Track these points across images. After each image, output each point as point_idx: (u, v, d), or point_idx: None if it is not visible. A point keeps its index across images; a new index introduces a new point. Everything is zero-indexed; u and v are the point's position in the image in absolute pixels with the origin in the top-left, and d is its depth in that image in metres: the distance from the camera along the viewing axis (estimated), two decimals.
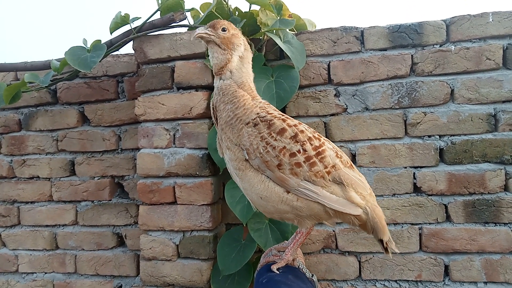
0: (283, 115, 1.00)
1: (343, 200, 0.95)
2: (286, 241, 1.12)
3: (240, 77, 1.03)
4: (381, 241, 1.03)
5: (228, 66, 1.04)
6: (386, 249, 1.04)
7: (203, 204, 1.54)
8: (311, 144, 0.95)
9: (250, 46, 1.51)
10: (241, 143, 0.96)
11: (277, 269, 0.96)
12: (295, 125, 0.97)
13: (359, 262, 1.55)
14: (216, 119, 1.05)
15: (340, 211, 0.94)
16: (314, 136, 0.98)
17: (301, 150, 0.94)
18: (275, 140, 0.94)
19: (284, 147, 0.93)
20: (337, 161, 0.97)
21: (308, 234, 1.01)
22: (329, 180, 0.95)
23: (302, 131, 0.96)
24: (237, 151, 0.97)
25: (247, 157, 0.95)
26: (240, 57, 1.05)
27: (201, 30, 1.05)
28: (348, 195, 0.95)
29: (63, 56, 1.56)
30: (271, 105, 1.06)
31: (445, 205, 1.49)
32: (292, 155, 0.93)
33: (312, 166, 0.94)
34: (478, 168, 1.46)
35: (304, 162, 0.93)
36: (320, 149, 0.96)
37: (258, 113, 0.98)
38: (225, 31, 1.04)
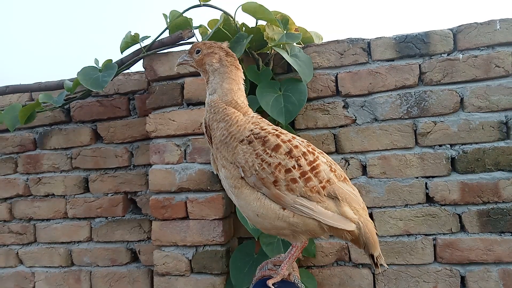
0: (277, 130, 0.99)
1: (337, 215, 0.94)
2: (282, 254, 1.11)
3: (224, 94, 1.03)
4: (371, 256, 1.02)
5: (209, 84, 1.06)
6: (376, 264, 1.03)
7: (215, 219, 1.55)
8: (306, 159, 0.95)
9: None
10: (236, 161, 0.96)
11: (273, 284, 0.96)
12: (289, 140, 0.97)
13: (373, 274, 1.53)
14: (210, 137, 1.05)
15: (334, 227, 0.94)
16: (308, 151, 0.97)
17: (296, 166, 0.94)
18: (270, 156, 0.94)
19: (280, 163, 0.93)
20: (332, 175, 0.97)
21: (303, 248, 1.01)
22: (324, 195, 0.94)
23: (296, 146, 0.96)
24: (233, 169, 0.97)
25: (242, 175, 0.95)
26: (217, 74, 1.04)
27: (180, 58, 1.10)
28: (342, 210, 0.95)
29: (76, 76, 1.59)
30: (264, 119, 1.05)
31: (459, 215, 1.47)
32: (288, 171, 0.93)
33: (308, 181, 0.93)
34: (491, 177, 1.44)
35: (299, 177, 0.93)
36: (314, 164, 0.95)
37: (251, 130, 0.98)
38: (198, 53, 1.07)
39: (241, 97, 1.05)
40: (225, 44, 1.10)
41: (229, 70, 1.05)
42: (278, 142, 0.95)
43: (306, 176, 0.94)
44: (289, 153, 0.95)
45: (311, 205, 0.93)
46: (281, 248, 1.43)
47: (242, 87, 1.07)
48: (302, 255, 1.53)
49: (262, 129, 0.98)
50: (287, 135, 0.99)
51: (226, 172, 0.99)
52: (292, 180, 0.93)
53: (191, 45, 1.11)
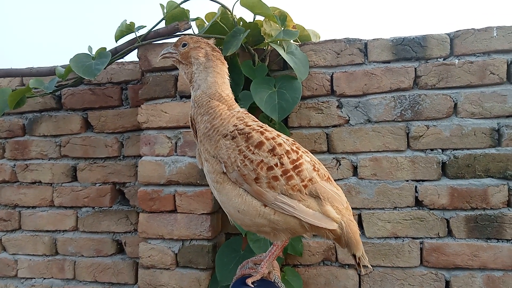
0: (262, 127, 0.99)
1: (319, 214, 0.95)
2: (263, 253, 1.11)
3: (208, 87, 1.03)
4: (354, 256, 1.03)
5: (193, 79, 1.06)
6: (358, 264, 1.03)
7: (203, 213, 1.54)
8: (289, 158, 0.95)
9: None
10: (218, 156, 0.96)
11: (252, 283, 0.95)
12: (273, 138, 0.96)
13: (359, 275, 1.53)
14: (195, 131, 1.05)
15: (315, 225, 0.94)
16: (292, 149, 0.97)
17: (279, 164, 0.94)
18: (253, 153, 0.93)
19: (262, 161, 0.93)
20: (314, 174, 0.97)
21: (283, 246, 1.01)
22: (305, 193, 0.94)
23: (280, 144, 0.96)
24: (215, 164, 0.97)
25: (225, 170, 0.95)
26: (202, 68, 1.05)
27: (165, 50, 1.10)
28: (324, 209, 0.95)
29: (68, 63, 1.57)
30: (249, 115, 1.05)
31: (447, 219, 1.47)
32: (270, 168, 0.93)
33: (289, 179, 0.93)
34: (480, 183, 1.44)
35: (281, 175, 0.93)
36: (297, 163, 0.95)
37: (236, 125, 0.98)
38: (185, 46, 1.07)
39: (226, 90, 1.05)
40: (211, 41, 1.11)
41: (214, 64, 1.05)
42: (261, 139, 0.95)
43: (288, 174, 0.94)
44: (272, 150, 0.94)
45: (292, 203, 0.93)
46: (268, 245, 1.42)
47: (227, 81, 1.07)
48: (289, 252, 1.52)
49: (247, 125, 0.98)
50: (271, 132, 0.99)
51: (209, 166, 0.99)
52: (274, 177, 0.93)
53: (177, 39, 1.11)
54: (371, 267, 1.06)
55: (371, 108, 1.53)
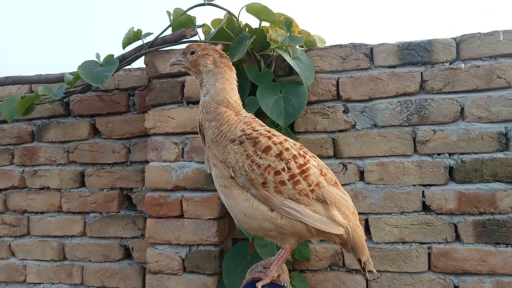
0: (269, 131, 1.00)
1: (325, 219, 0.95)
2: (272, 257, 1.11)
3: (216, 94, 1.04)
4: (359, 260, 1.03)
5: (203, 83, 1.07)
6: (363, 269, 1.03)
7: (210, 219, 1.54)
8: (296, 162, 0.95)
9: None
10: (226, 160, 0.97)
11: (262, 286, 0.95)
12: (280, 143, 0.97)
13: (367, 280, 1.52)
14: (203, 137, 1.06)
15: (322, 230, 0.94)
16: (299, 154, 0.97)
17: (286, 168, 0.94)
18: (261, 158, 0.94)
19: (269, 165, 0.94)
20: (321, 179, 0.97)
21: (291, 249, 1.01)
22: (312, 198, 0.95)
23: (287, 149, 0.96)
24: (223, 168, 0.98)
25: (232, 175, 0.96)
26: (211, 75, 1.06)
27: (174, 58, 1.12)
28: (331, 214, 0.95)
29: (76, 70, 1.59)
30: (257, 119, 1.06)
31: (454, 224, 1.46)
32: (277, 173, 0.94)
33: (296, 184, 0.94)
34: (488, 188, 1.43)
35: (288, 180, 0.94)
36: (304, 167, 0.96)
37: (243, 130, 0.99)
38: (193, 54, 1.09)
39: (234, 97, 1.06)
40: (218, 46, 1.12)
41: (223, 71, 1.06)
42: (269, 144, 0.96)
43: (295, 179, 0.94)
44: (279, 155, 0.95)
45: (299, 208, 0.94)
46: (275, 250, 1.42)
47: (235, 87, 1.08)
48: (296, 258, 1.52)
49: (254, 130, 0.98)
50: (279, 137, 0.99)
51: (217, 171, 1.00)
52: (281, 182, 0.93)
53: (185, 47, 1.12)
54: (376, 272, 1.06)
55: (377, 112, 1.53)
